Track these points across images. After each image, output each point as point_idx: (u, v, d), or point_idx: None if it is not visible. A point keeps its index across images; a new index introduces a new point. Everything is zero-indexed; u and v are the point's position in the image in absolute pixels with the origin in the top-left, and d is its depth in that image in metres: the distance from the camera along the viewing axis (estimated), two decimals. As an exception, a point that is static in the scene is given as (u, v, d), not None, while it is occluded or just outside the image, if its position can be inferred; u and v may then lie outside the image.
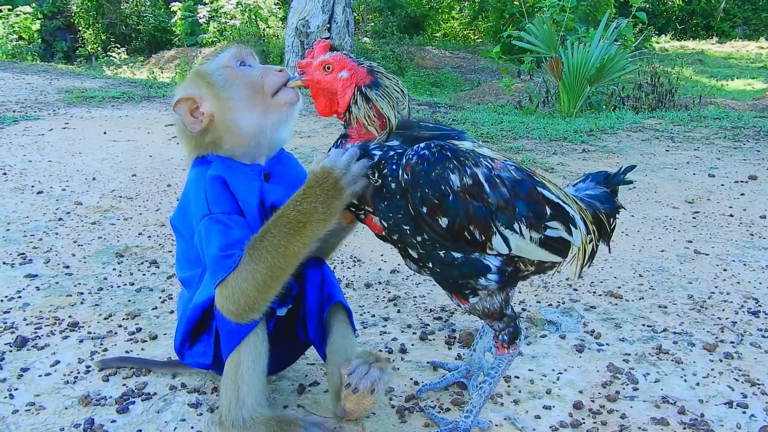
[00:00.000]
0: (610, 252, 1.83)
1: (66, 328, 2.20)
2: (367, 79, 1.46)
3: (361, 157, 1.43)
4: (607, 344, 2.16)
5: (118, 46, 17.04)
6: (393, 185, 1.41)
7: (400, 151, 1.43)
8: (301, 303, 1.73)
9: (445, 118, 6.53)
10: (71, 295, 2.50)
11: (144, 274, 2.72)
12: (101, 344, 2.10)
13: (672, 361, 2.05)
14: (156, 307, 2.41)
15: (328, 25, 10.20)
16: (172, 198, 3.79)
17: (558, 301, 2.51)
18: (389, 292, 2.59)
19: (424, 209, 1.38)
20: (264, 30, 15.83)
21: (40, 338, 2.12)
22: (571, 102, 7.61)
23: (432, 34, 21.01)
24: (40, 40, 17.48)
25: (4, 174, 4.18)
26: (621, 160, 4.85)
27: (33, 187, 3.92)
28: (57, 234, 3.15)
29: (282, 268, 1.45)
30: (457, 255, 1.43)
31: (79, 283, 2.61)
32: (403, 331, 2.24)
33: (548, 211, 1.48)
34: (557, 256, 1.53)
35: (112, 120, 6.12)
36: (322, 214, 1.44)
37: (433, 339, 2.18)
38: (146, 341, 2.13)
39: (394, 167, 1.41)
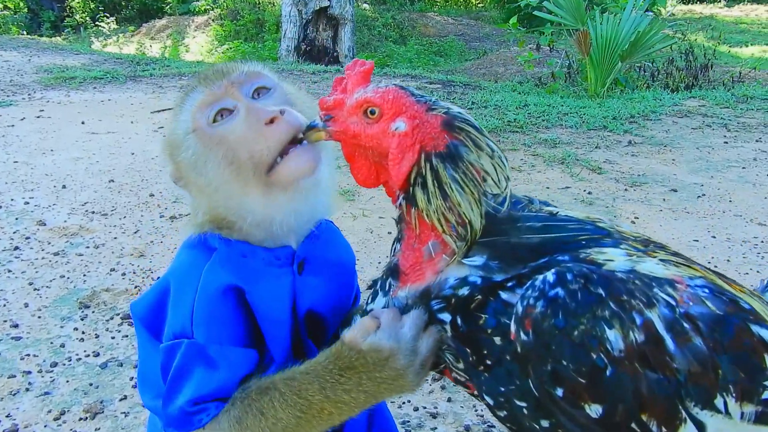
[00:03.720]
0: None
1: (-3, 445, 1.60)
2: (441, 139, 0.83)
3: (431, 319, 0.86)
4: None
5: (107, 15, 16.20)
6: (498, 344, 0.81)
7: (499, 281, 0.82)
8: None
9: (462, 101, 5.85)
10: (15, 376, 1.89)
11: (113, 337, 2.11)
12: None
13: None
14: (125, 397, 1.81)
15: (328, -8, 9.42)
16: (155, 214, 3.16)
17: None
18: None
19: (560, 391, 0.77)
20: (260, -3, 14.99)
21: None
22: (599, 80, 6.91)
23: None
24: (26, 10, 16.62)
25: (-42, 182, 3.54)
26: (676, 156, 4.21)
27: (-11, 200, 3.29)
28: (9, 272, 2.53)
29: None
30: None
31: (28, 355, 2.00)
32: (460, 441, 1.64)
33: None
34: None
35: (92, 106, 5.44)
36: (363, 403, 0.89)
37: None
38: (107, 467, 1.54)
39: (498, 317, 0.80)
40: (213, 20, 14.11)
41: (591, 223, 0.88)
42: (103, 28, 15.53)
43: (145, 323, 1.05)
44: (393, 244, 0.89)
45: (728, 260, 2.72)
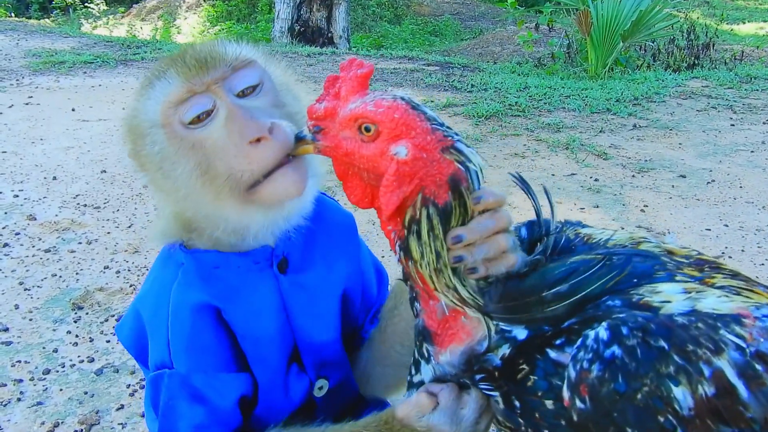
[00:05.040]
0: None
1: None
2: (443, 192, 0.70)
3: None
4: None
5: (97, -5, 15.90)
6: (551, 408, 0.71)
7: (546, 333, 0.71)
8: None
9: (462, 83, 5.73)
10: (5, 385, 1.80)
11: (108, 341, 2.02)
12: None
13: None
14: (122, 406, 1.72)
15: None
16: (149, 206, 3.05)
17: None
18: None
19: None
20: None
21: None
22: (600, 60, 6.79)
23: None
24: (13, -10, 16.30)
25: (-56, 174, 3.43)
26: (683, 139, 4.12)
27: (-23, 193, 3.17)
28: (-1, 270, 2.43)
29: None
30: None
31: (19, 361, 1.91)
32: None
33: None
34: None
35: (83, 92, 5.30)
36: None
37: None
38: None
39: (549, 379, 0.70)
40: (204, 0, 13.88)
41: (637, 252, 0.77)
42: (93, 9, 15.26)
43: (133, 351, 0.96)
44: (411, 302, 0.78)
45: (743, 250, 2.64)
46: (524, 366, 0.70)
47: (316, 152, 0.76)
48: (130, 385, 1.81)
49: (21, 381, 1.83)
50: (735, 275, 0.80)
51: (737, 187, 3.32)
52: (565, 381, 0.67)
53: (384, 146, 0.71)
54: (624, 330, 0.65)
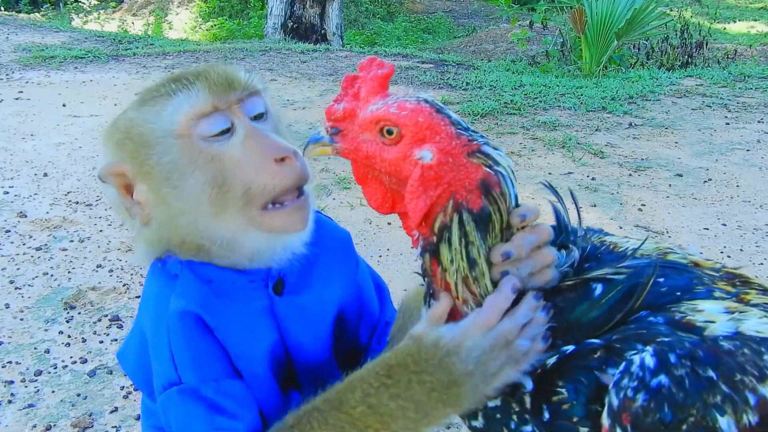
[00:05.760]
0: None
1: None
2: (475, 197, 0.67)
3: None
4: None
5: (87, -10, 15.78)
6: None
7: (587, 347, 0.68)
8: None
9: (457, 81, 5.70)
10: (-4, 387, 1.76)
11: (101, 341, 1.98)
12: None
13: None
14: (116, 408, 1.69)
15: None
16: (143, 204, 3.01)
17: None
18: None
19: None
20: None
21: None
22: (594, 58, 6.78)
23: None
24: (3, -15, 16.15)
25: (-67, 170, 3.37)
26: (679, 138, 4.11)
27: (-34, 189, 3.12)
28: (-11, 269, 2.39)
29: None
30: None
31: (10, 362, 1.87)
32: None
33: None
34: None
35: (74, 87, 5.24)
36: (412, 421, 0.73)
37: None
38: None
39: (587, 407, 0.66)
40: (196, -4, 13.79)
41: (671, 264, 0.74)
42: (83, 4, 15.14)
43: (137, 378, 0.93)
44: (425, 299, 0.75)
45: (741, 249, 2.63)
46: (562, 389, 0.66)
47: (334, 154, 0.73)
48: (124, 386, 1.78)
49: (12, 383, 1.79)
50: (765, 291, 0.77)
51: (734, 186, 3.31)
52: (606, 408, 0.64)
53: (407, 150, 0.69)
54: (672, 357, 0.63)
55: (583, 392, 0.66)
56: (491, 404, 0.73)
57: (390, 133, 0.69)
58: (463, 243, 0.67)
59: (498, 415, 0.73)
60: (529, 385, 0.69)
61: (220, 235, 0.81)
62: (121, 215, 0.89)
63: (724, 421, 0.62)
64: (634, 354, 0.64)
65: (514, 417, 0.71)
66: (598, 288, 0.69)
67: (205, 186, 0.78)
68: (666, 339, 0.64)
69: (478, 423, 0.76)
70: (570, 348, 0.68)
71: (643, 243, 0.77)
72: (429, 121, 0.68)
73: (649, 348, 0.64)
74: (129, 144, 0.81)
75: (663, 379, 0.62)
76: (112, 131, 0.84)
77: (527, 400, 0.69)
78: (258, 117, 0.83)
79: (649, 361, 0.63)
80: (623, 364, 0.64)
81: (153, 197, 0.81)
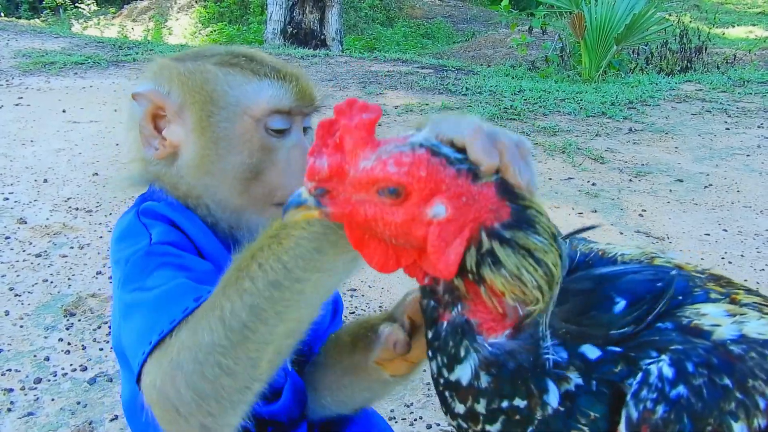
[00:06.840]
0: None
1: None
2: (503, 207, 0.62)
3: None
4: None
5: (87, -4, 15.80)
6: None
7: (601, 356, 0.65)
8: None
9: (457, 86, 5.71)
10: (-5, 395, 1.76)
11: (101, 348, 1.98)
12: None
13: None
14: (116, 417, 1.68)
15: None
16: (143, 210, 3.00)
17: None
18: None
19: None
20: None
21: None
22: (594, 63, 6.79)
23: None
24: (2, -10, 16.18)
25: (-67, 176, 3.37)
26: (679, 143, 4.12)
27: (-34, 196, 3.12)
28: (-12, 276, 2.38)
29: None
30: None
31: (9, 370, 1.86)
32: None
33: None
34: None
35: (74, 93, 5.24)
36: (305, 268, 0.68)
37: None
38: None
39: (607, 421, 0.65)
40: (196, 1, 13.81)
41: (661, 269, 0.73)
42: (83, 9, 15.16)
43: (122, 356, 0.90)
44: (429, 324, 0.70)
45: (742, 255, 2.63)
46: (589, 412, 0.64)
47: (323, 218, 0.64)
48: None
49: (11, 390, 1.78)
50: (749, 291, 0.77)
51: (734, 191, 3.31)
52: (624, 420, 0.63)
53: (416, 210, 0.61)
54: (689, 366, 0.62)
55: (605, 403, 0.65)
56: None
57: (392, 192, 0.61)
58: (519, 255, 0.62)
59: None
60: (554, 402, 0.65)
61: (230, 204, 0.87)
62: (129, 133, 0.92)
63: (738, 427, 0.62)
64: (651, 363, 0.63)
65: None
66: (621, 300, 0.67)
67: (245, 167, 0.84)
68: (680, 347, 0.63)
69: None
70: (596, 354, 0.65)
71: (626, 249, 0.77)
72: (431, 172, 0.61)
73: (664, 357, 0.63)
74: (195, 93, 0.85)
75: (682, 389, 0.62)
76: (172, 66, 0.88)
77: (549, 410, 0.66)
78: (306, 129, 0.91)
79: (667, 371, 0.62)
80: (640, 374, 0.63)
81: (190, 147, 0.85)
